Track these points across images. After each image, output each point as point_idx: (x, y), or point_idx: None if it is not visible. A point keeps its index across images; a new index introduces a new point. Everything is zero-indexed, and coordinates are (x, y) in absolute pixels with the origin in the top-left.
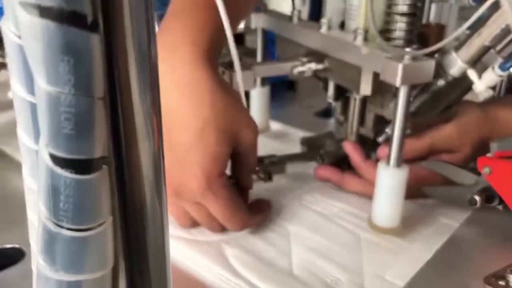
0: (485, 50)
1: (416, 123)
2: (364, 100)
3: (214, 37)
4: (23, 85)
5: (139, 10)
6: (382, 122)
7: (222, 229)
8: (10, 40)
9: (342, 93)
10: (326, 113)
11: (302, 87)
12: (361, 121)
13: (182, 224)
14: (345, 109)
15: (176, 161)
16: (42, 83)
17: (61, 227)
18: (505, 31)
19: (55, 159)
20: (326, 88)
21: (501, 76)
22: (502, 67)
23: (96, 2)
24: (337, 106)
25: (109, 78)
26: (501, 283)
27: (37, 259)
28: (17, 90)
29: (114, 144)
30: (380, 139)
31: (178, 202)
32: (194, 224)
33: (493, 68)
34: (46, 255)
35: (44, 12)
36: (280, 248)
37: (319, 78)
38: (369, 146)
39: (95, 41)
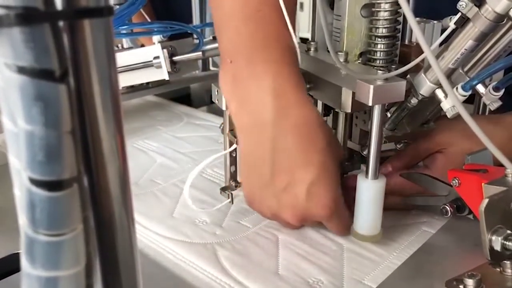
0: (451, 71)
1: (395, 137)
2: (351, 116)
3: (302, 75)
4: (11, 120)
5: (102, 54)
6: (368, 137)
7: None
8: None
9: (330, 110)
10: None
11: None
12: (349, 135)
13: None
14: (335, 124)
15: (297, 197)
16: (20, 122)
17: (38, 233)
18: (466, 56)
19: (31, 180)
20: (316, 105)
21: (464, 96)
22: (464, 88)
23: (65, 56)
24: (328, 121)
25: (80, 110)
26: (461, 286)
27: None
28: (6, 124)
29: (87, 165)
30: (365, 152)
31: (298, 225)
32: None
33: (457, 88)
34: (28, 256)
35: (20, 69)
36: (269, 251)
37: (310, 95)
38: (357, 159)
39: (62, 89)
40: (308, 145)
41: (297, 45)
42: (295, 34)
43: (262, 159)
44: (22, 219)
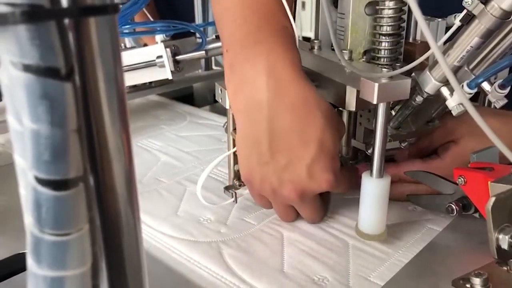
0: (456, 69)
1: (400, 136)
2: (356, 114)
3: (299, 54)
4: (16, 119)
5: (107, 52)
6: (372, 135)
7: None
8: (4, 86)
9: (334, 108)
10: None
11: None
12: (354, 133)
13: (289, 219)
14: None
15: (298, 174)
16: (26, 121)
17: (44, 232)
18: (471, 53)
19: (37, 179)
20: None
21: (469, 93)
22: (469, 86)
23: (70, 54)
24: None
25: (86, 109)
26: (467, 285)
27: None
28: (12, 123)
29: (93, 164)
30: (370, 151)
31: (297, 204)
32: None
33: (462, 86)
34: (34, 255)
35: (26, 67)
36: (274, 248)
37: None
38: (361, 157)
39: (68, 87)
40: (305, 123)
41: (294, 26)
42: (293, 16)
43: (261, 139)
44: (28, 219)
